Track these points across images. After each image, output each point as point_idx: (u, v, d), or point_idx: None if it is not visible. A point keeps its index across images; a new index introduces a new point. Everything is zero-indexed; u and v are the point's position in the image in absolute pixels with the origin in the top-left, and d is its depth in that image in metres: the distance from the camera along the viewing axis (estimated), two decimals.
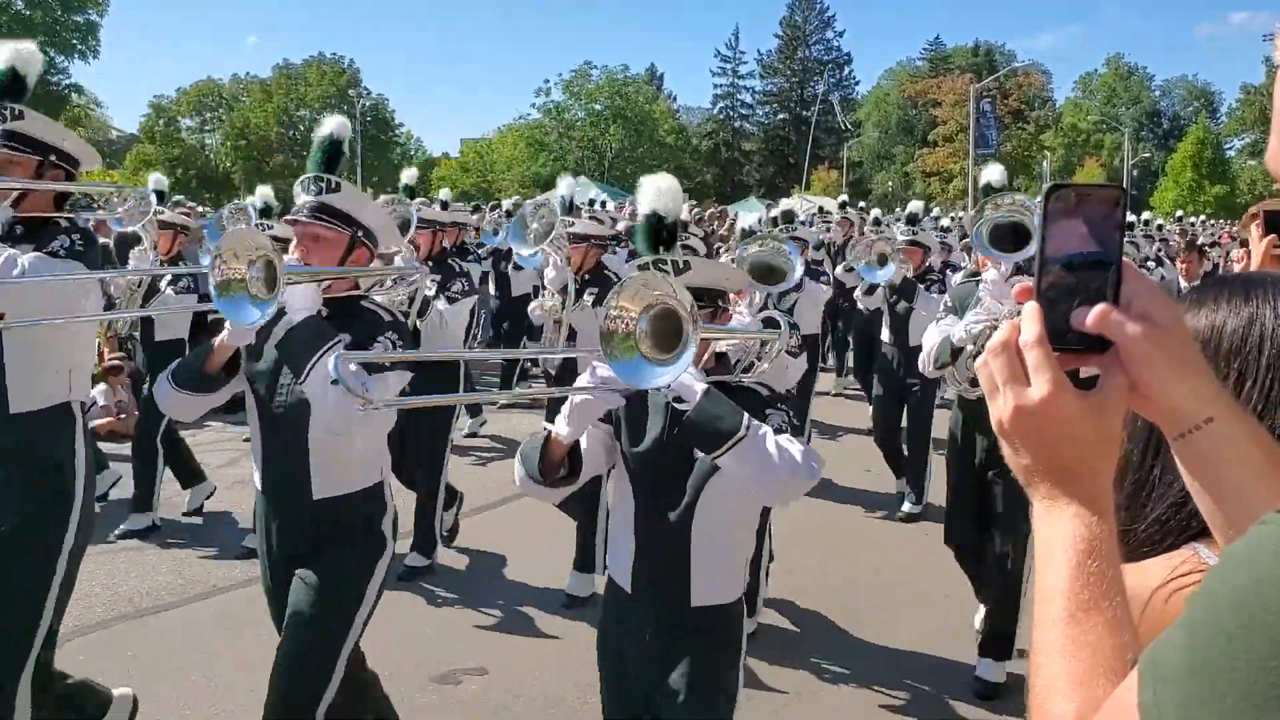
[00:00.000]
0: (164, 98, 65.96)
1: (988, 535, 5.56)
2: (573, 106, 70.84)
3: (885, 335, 8.64)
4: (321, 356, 3.40)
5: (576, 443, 3.11)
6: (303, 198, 3.79)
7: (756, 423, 2.93)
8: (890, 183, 70.44)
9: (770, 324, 5.39)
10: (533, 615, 6.09)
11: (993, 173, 5.73)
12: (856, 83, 79.65)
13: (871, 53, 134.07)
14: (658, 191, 3.26)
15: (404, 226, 6.23)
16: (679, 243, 3.33)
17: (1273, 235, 3.25)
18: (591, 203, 17.04)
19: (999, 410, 1.03)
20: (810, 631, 6.01)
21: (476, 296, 6.93)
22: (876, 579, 6.88)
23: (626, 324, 2.62)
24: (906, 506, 8.35)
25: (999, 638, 5.35)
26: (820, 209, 20.47)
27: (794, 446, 2.94)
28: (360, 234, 3.81)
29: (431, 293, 6.45)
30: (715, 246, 17.30)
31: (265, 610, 3.90)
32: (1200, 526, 1.26)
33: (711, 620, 3.19)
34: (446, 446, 7.02)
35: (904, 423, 8.57)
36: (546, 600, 6.28)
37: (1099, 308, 0.99)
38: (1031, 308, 1.02)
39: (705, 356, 3.22)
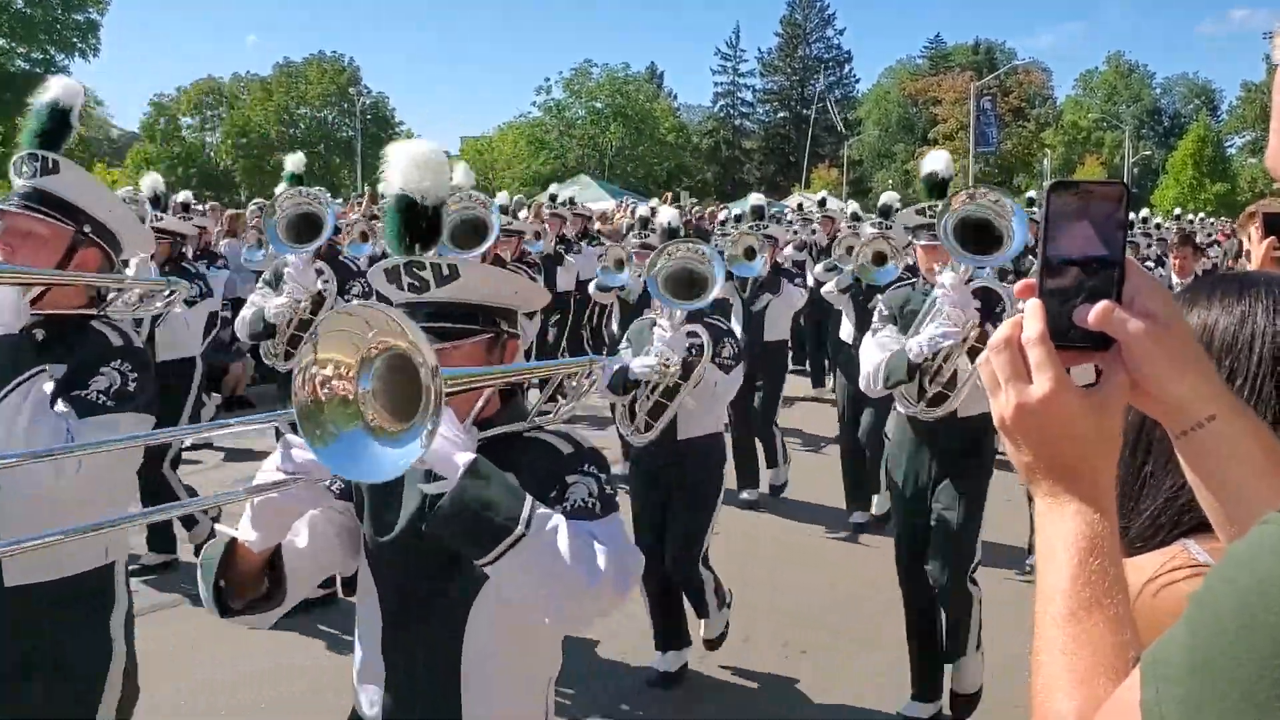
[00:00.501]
0: (165, 96, 65.95)
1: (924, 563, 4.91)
2: (573, 105, 70.81)
3: (847, 334, 8.39)
4: (8, 394, 2.60)
5: (278, 547, 2.18)
6: (16, 183, 2.94)
7: (544, 512, 2.03)
8: (890, 181, 70.32)
9: (716, 334, 5.13)
10: None
11: (937, 161, 5.12)
12: (857, 81, 79.59)
13: (872, 51, 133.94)
14: (411, 163, 2.35)
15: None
16: (444, 235, 2.53)
17: (1272, 237, 3.26)
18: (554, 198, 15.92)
19: (1000, 407, 1.04)
20: (810, 647, 6.01)
21: (211, 298, 6.74)
22: (861, 592, 6.88)
23: (340, 386, 1.82)
24: (857, 516, 8.07)
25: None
26: (799, 205, 19.53)
27: (598, 544, 2.07)
28: (89, 230, 2.94)
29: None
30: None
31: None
32: (1192, 522, 1.28)
33: None
34: None
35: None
36: None
37: (1101, 305, 0.99)
38: (1034, 305, 1.03)
39: (478, 406, 2.25)
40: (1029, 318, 1.02)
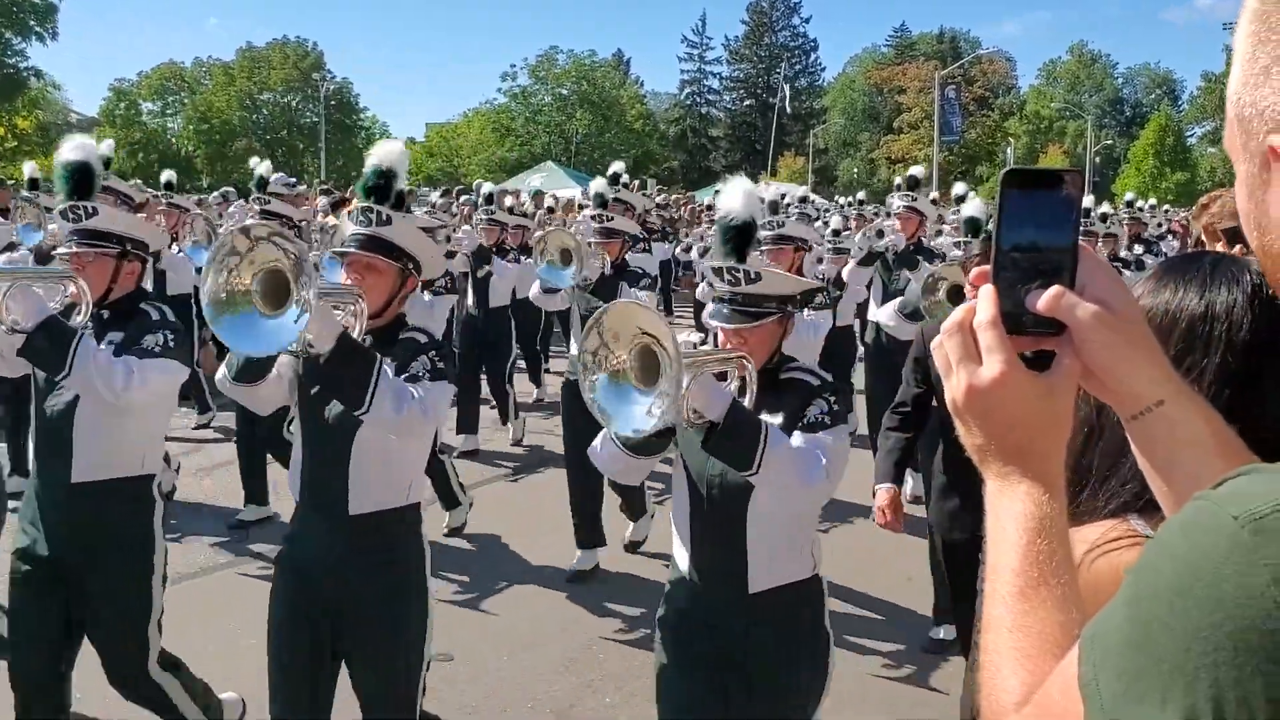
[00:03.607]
0: (125, 81, 65.10)
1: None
2: (539, 91, 70.52)
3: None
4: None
5: None
6: None
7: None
8: (855, 169, 70.62)
9: None
10: (506, 602, 6.10)
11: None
12: (823, 69, 79.80)
13: (837, 39, 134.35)
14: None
15: None
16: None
17: (1240, 246, 3.31)
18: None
19: (952, 389, 1.05)
20: None
21: None
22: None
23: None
24: None
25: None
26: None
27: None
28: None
29: None
30: (677, 229, 16.89)
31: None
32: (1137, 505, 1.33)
33: None
34: None
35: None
36: (519, 580, 6.31)
37: (1052, 290, 1.01)
38: (987, 290, 1.04)
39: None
40: (982, 302, 1.03)
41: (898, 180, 9.60)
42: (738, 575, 3.18)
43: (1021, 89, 76.50)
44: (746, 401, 3.07)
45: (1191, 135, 68.00)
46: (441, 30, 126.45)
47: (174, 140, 64.45)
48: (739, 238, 3.33)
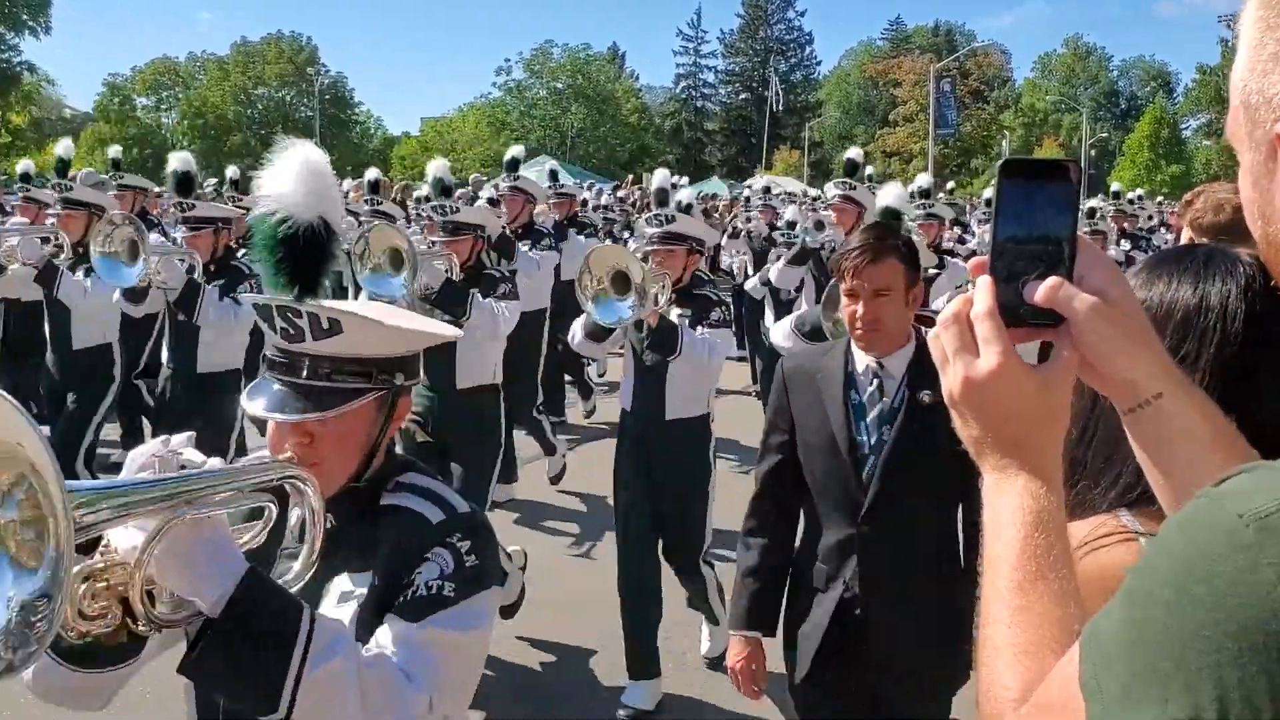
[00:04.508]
0: (119, 76, 65.08)
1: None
2: (534, 85, 70.49)
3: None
4: None
5: None
6: None
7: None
8: None
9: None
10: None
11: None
12: (818, 63, 79.71)
13: (833, 33, 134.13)
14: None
15: None
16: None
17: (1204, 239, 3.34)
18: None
19: (949, 381, 1.04)
20: None
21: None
22: None
23: None
24: None
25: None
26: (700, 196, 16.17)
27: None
28: None
29: None
30: (630, 217, 16.37)
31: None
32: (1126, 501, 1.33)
33: None
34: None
35: None
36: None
37: (1049, 281, 1.00)
38: (984, 281, 1.03)
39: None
40: (979, 293, 1.02)
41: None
42: None
43: (1016, 82, 76.52)
44: (300, 559, 1.78)
45: (1186, 128, 68.04)
46: (437, 25, 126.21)
47: (168, 135, 64.37)
48: (293, 257, 1.86)
